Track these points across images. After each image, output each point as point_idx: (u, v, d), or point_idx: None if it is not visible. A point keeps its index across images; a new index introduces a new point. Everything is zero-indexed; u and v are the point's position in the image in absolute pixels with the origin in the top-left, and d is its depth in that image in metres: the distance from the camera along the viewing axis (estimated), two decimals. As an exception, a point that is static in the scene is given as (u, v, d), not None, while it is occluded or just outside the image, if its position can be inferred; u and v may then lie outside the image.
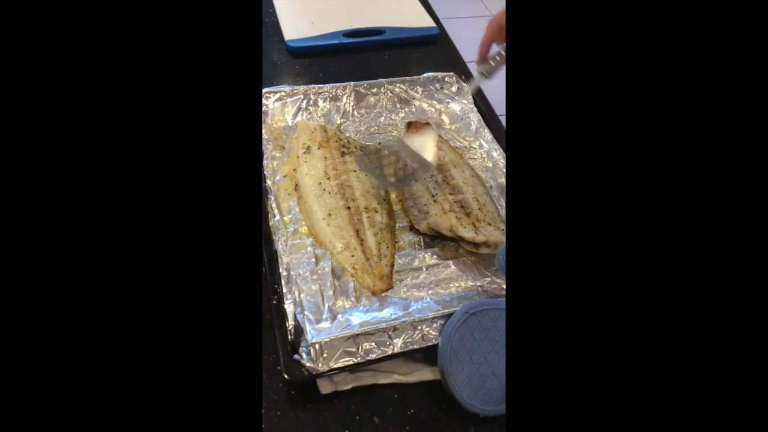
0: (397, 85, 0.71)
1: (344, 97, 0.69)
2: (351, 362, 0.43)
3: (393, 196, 0.59)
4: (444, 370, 0.43)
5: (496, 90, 0.91)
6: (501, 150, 0.65)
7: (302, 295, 0.48)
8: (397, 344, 0.44)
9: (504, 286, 0.50)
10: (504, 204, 0.59)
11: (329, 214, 0.54)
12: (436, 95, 0.72)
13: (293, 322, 0.46)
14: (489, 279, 0.52)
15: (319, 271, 0.50)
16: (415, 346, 0.45)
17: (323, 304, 0.48)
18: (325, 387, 0.44)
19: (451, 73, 0.73)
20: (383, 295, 0.49)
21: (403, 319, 0.45)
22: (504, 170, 0.63)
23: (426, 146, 0.58)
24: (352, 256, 0.51)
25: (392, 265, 0.51)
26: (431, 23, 0.87)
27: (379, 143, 0.65)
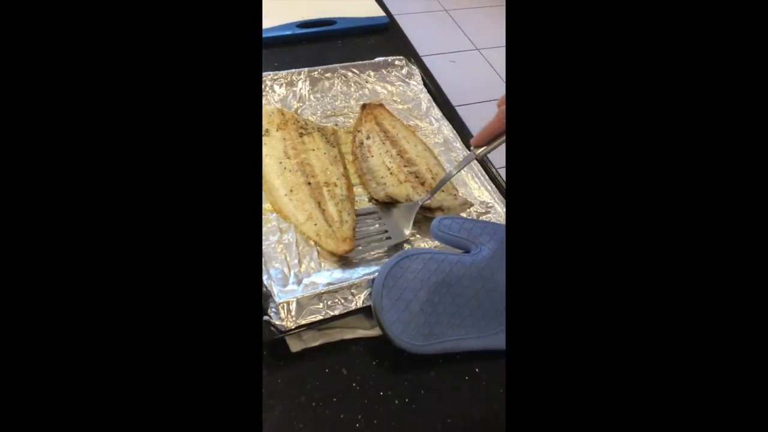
0: (351, 69, 0.74)
1: (299, 82, 0.71)
2: (317, 318, 0.46)
3: (351, 171, 0.63)
4: (376, 306, 0.45)
5: (445, 77, 0.95)
6: (450, 126, 0.69)
7: (268, 265, 0.51)
8: (359, 300, 0.47)
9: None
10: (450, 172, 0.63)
11: (291, 190, 0.57)
12: (387, 78, 0.76)
13: (262, 289, 0.48)
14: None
15: (284, 241, 0.53)
16: None
17: (289, 271, 0.51)
18: (295, 345, 0.47)
19: (401, 57, 0.77)
20: (346, 258, 0.52)
21: (365, 278, 0.48)
22: (454, 144, 0.67)
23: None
24: (315, 224, 0.54)
25: (354, 229, 0.54)
26: (381, 13, 0.91)
27: (336, 125, 0.69)
